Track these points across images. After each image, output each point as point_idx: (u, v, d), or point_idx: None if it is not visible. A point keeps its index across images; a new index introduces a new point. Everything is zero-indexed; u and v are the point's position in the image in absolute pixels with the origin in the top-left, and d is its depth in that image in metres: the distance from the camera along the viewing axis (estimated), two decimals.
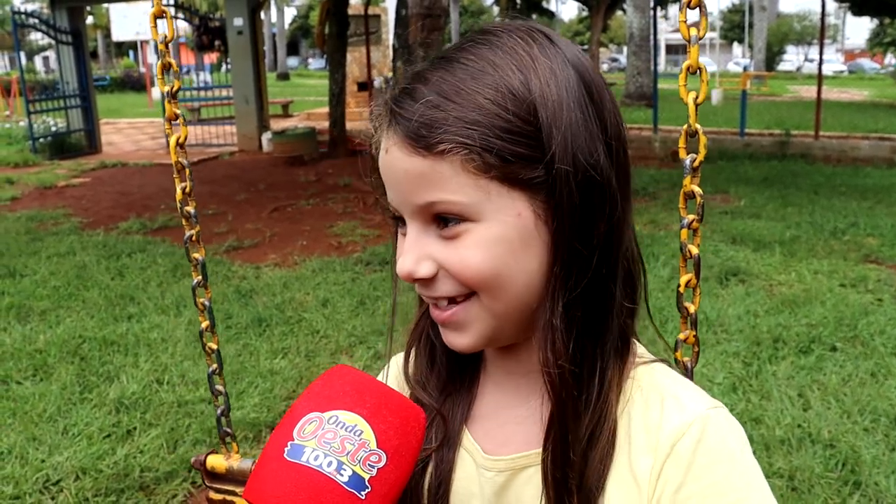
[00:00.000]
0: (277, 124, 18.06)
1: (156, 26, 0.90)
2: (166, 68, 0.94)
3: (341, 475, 0.66)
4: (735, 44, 69.00)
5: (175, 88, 0.95)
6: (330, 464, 0.66)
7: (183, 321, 5.38)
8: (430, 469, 0.88)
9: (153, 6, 0.90)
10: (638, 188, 9.70)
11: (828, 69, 43.96)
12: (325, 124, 14.42)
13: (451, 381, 0.91)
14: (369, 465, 0.67)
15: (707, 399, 0.81)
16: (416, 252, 0.78)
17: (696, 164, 0.82)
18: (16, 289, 6.20)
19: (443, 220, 0.76)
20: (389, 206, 0.81)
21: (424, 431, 0.75)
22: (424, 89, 0.76)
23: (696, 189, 0.83)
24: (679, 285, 0.88)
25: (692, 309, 0.89)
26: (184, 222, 1.02)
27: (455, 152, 0.73)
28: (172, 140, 0.95)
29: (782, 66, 56.64)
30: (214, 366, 1.04)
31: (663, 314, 5.23)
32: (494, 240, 0.75)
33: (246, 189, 10.88)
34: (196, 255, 1.05)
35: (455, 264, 0.76)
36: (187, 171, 0.98)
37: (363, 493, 0.66)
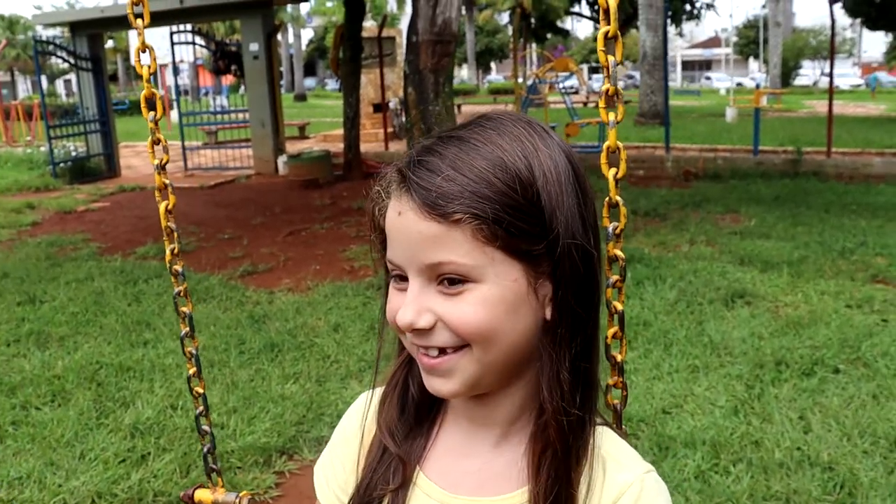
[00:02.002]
0: (294, 146, 18.25)
1: (139, 60, 1.00)
2: (156, 143, 1.04)
3: None
4: (751, 59, 68.87)
5: (164, 161, 1.05)
6: None
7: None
8: None
9: (138, 42, 1.00)
10: (648, 209, 9.76)
11: (844, 83, 43.79)
12: (342, 146, 14.59)
13: (416, 423, 1.02)
14: None
15: (643, 463, 0.96)
16: (418, 305, 0.88)
17: (617, 231, 0.95)
18: (35, 315, 6.35)
19: (448, 279, 0.87)
20: (390, 262, 0.92)
21: None
22: (441, 163, 0.87)
23: (619, 253, 0.96)
24: (606, 337, 1.00)
25: (619, 358, 1.01)
26: (173, 280, 1.12)
27: (468, 222, 0.85)
28: (162, 207, 1.05)
29: (798, 81, 56.54)
30: (201, 408, 1.14)
31: (668, 337, 5.30)
32: (494, 300, 0.87)
33: (262, 212, 11.03)
34: (184, 310, 1.15)
35: (456, 318, 0.87)
36: (175, 234, 1.08)
37: None
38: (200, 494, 1.10)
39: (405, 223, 0.88)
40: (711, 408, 4.26)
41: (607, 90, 0.95)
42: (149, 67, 1.04)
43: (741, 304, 5.98)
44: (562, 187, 0.88)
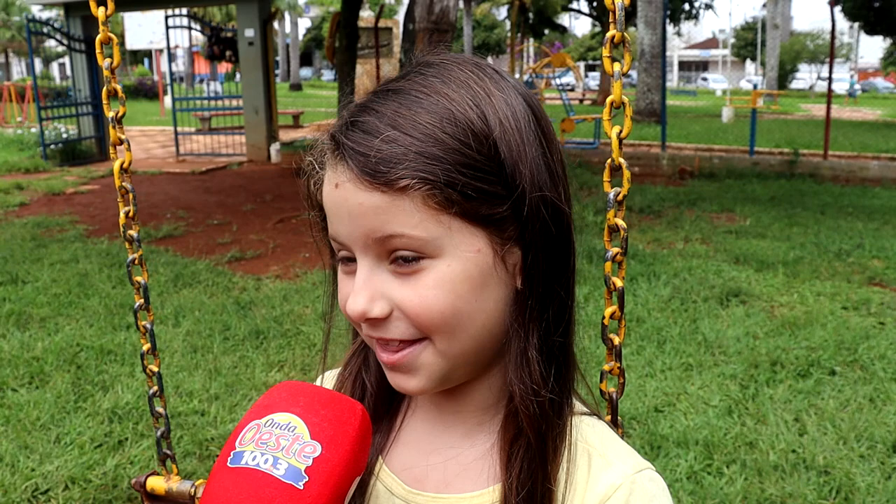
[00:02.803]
0: (288, 135, 18.13)
1: (102, 52, 0.91)
2: (112, 94, 0.94)
3: (277, 469, 0.68)
4: (748, 61, 68.98)
5: (120, 114, 0.95)
6: (266, 461, 0.69)
7: (181, 332, 5.39)
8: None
9: (99, 34, 0.90)
10: (643, 206, 9.68)
11: (841, 88, 43.85)
12: None
13: (375, 415, 0.88)
14: (304, 455, 0.69)
15: (634, 460, 0.81)
16: (370, 290, 0.75)
17: (619, 197, 0.82)
18: (17, 295, 6.23)
19: (401, 257, 0.74)
20: (334, 241, 0.79)
21: (364, 420, 0.75)
22: (378, 123, 0.74)
23: (620, 223, 0.83)
24: (604, 317, 0.87)
25: (616, 341, 0.88)
26: (127, 246, 1.02)
27: (416, 188, 0.71)
28: (116, 165, 0.94)
29: (795, 85, 56.62)
30: (155, 388, 1.04)
31: (661, 335, 5.21)
32: (457, 277, 0.74)
33: (252, 199, 10.92)
34: (138, 279, 1.05)
35: (415, 306, 0.74)
36: (131, 195, 0.98)
37: (300, 482, 0.68)
38: (153, 482, 1.00)
39: (344, 195, 0.75)
40: (705, 407, 4.17)
41: (611, 101, 0.83)
42: (111, 60, 0.93)
43: (736, 303, 5.90)
44: (522, 136, 0.74)
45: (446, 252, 0.73)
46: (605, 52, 0.78)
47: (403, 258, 0.74)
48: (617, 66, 0.79)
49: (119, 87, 0.94)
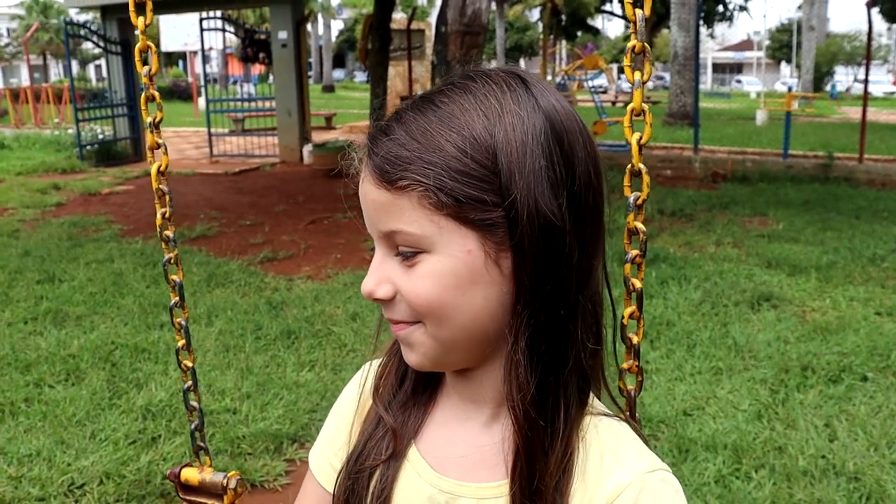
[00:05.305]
0: (320, 136, 18.24)
1: (140, 59, 0.94)
2: (150, 99, 0.97)
3: None
4: (783, 63, 68.25)
5: (157, 119, 0.99)
6: None
7: (213, 331, 5.46)
8: (376, 476, 0.93)
9: (138, 41, 0.94)
10: (675, 209, 9.63)
11: (878, 90, 43.24)
12: None
13: (413, 396, 0.96)
14: None
15: (649, 460, 0.84)
16: (379, 274, 0.85)
17: (639, 202, 0.85)
18: (54, 294, 6.35)
19: (401, 252, 0.82)
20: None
21: None
22: (397, 127, 0.82)
23: (640, 226, 0.86)
24: (623, 317, 0.90)
25: (635, 340, 0.91)
26: (163, 246, 1.06)
27: (413, 189, 0.80)
28: (154, 168, 0.98)
29: (830, 87, 55.86)
30: (189, 382, 1.07)
31: (691, 338, 5.19)
32: (444, 272, 0.80)
33: (285, 200, 11.01)
34: (174, 277, 1.08)
35: (408, 291, 0.82)
36: (167, 197, 1.02)
37: None
38: (187, 473, 1.04)
39: (364, 191, 0.85)
40: (734, 411, 4.16)
41: (632, 109, 0.86)
42: (149, 67, 0.97)
43: (767, 308, 5.86)
44: (526, 147, 0.78)
45: (438, 248, 0.80)
46: (627, 61, 0.81)
47: (404, 252, 0.82)
48: (638, 75, 0.81)
49: (157, 94, 0.97)
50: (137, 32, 0.95)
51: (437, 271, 0.81)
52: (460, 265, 0.80)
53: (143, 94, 0.96)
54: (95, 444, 3.91)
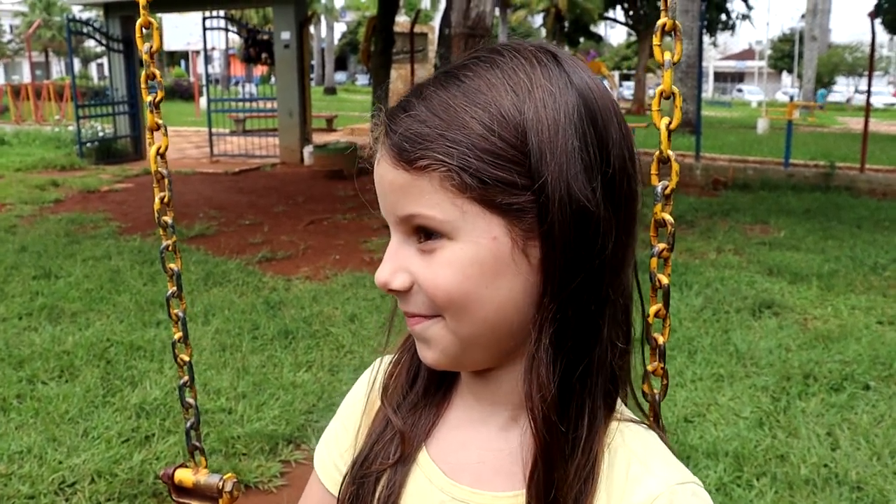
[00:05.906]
0: (321, 138, 18.21)
1: (142, 37, 0.90)
2: (150, 77, 0.93)
3: None
4: (784, 73, 68.34)
5: (158, 99, 0.94)
6: None
7: (210, 330, 5.41)
8: (382, 481, 0.86)
9: (139, 17, 0.90)
10: (676, 216, 9.53)
11: (878, 101, 43.26)
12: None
13: (424, 397, 0.89)
14: None
15: (679, 471, 0.78)
16: (394, 263, 0.78)
17: (667, 191, 0.79)
18: (50, 290, 6.30)
19: (424, 233, 0.75)
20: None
21: None
22: (416, 103, 0.75)
23: (668, 217, 0.80)
24: (648, 315, 0.83)
25: (661, 340, 0.85)
26: (161, 232, 1.01)
27: (434, 169, 0.72)
28: (153, 149, 0.94)
29: (832, 98, 55.91)
30: (185, 378, 1.03)
31: (692, 345, 5.15)
32: (467, 260, 0.74)
33: (284, 201, 10.97)
34: (172, 266, 1.04)
35: (426, 280, 0.75)
36: (166, 181, 0.97)
37: None
38: (181, 474, 0.99)
39: (381, 172, 0.77)
40: (735, 419, 4.11)
41: (661, 91, 0.81)
42: (150, 45, 0.93)
43: (769, 315, 5.82)
44: (558, 126, 0.71)
45: (461, 235, 0.73)
46: (656, 40, 0.76)
47: (426, 234, 0.75)
48: (668, 55, 0.76)
49: (158, 72, 0.93)
50: (140, 7, 0.91)
51: (459, 260, 0.73)
52: (484, 253, 0.73)
53: (143, 72, 0.91)
54: (88, 442, 3.86)
